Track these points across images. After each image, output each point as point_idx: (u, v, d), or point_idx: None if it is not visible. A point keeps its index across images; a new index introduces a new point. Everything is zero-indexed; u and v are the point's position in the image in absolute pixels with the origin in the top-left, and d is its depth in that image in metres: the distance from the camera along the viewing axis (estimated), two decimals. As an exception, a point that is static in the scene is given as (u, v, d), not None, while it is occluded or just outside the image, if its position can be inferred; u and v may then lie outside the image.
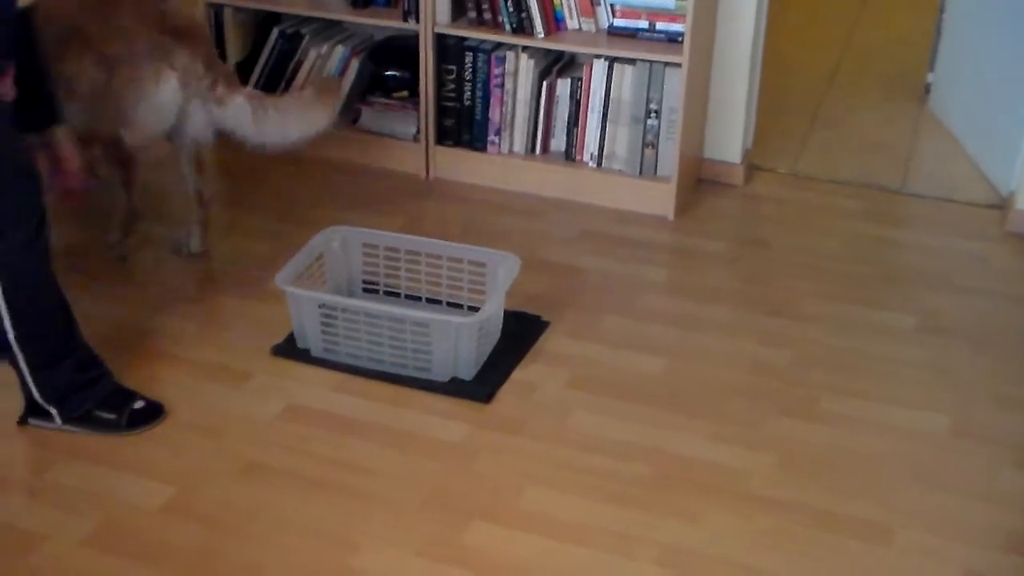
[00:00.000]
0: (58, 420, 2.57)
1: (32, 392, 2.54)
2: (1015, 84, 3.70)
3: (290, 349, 2.90)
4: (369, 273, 3.09)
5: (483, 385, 2.77)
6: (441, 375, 2.76)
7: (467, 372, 2.77)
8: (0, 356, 2.49)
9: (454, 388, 2.76)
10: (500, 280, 2.88)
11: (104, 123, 3.02)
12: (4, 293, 2.38)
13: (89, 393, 2.58)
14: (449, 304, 3.02)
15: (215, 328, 3.02)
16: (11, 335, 2.44)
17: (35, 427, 2.59)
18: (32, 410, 2.58)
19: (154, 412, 2.64)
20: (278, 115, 3.12)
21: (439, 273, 3.02)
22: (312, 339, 2.84)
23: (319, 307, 2.81)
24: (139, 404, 2.63)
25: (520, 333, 2.97)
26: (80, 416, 2.58)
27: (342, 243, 3.05)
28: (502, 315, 2.90)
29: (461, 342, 2.72)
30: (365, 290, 3.09)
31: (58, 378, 2.54)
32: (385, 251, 3.06)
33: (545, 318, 3.05)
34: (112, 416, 2.59)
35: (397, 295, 3.06)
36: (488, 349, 2.85)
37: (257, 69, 4.00)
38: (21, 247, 2.38)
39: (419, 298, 3.05)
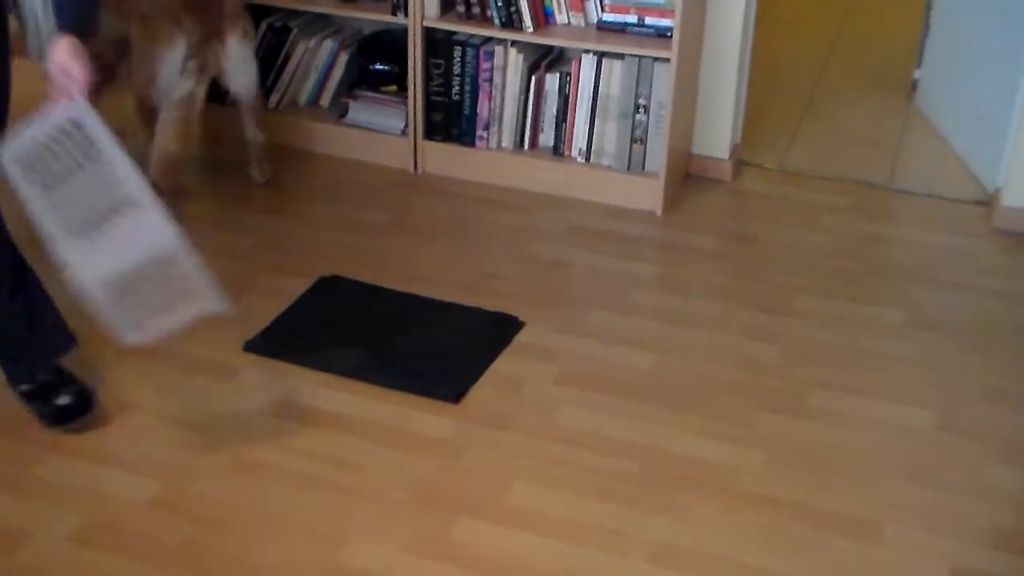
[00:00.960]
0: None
1: None
2: (1002, 81, 3.70)
3: (262, 345, 2.90)
4: None
5: (453, 385, 2.76)
6: None
7: None
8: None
9: (424, 387, 2.74)
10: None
11: (139, 80, 3.29)
12: None
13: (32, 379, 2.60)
14: None
15: (202, 323, 3.00)
16: None
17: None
18: None
19: (81, 407, 2.60)
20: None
21: None
22: None
23: None
24: (64, 400, 2.59)
25: (494, 334, 2.97)
26: (22, 394, 2.60)
27: None
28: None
29: None
30: None
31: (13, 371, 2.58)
32: None
33: (523, 318, 3.04)
34: (41, 408, 2.59)
35: None
36: None
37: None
38: None
39: None
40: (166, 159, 3.35)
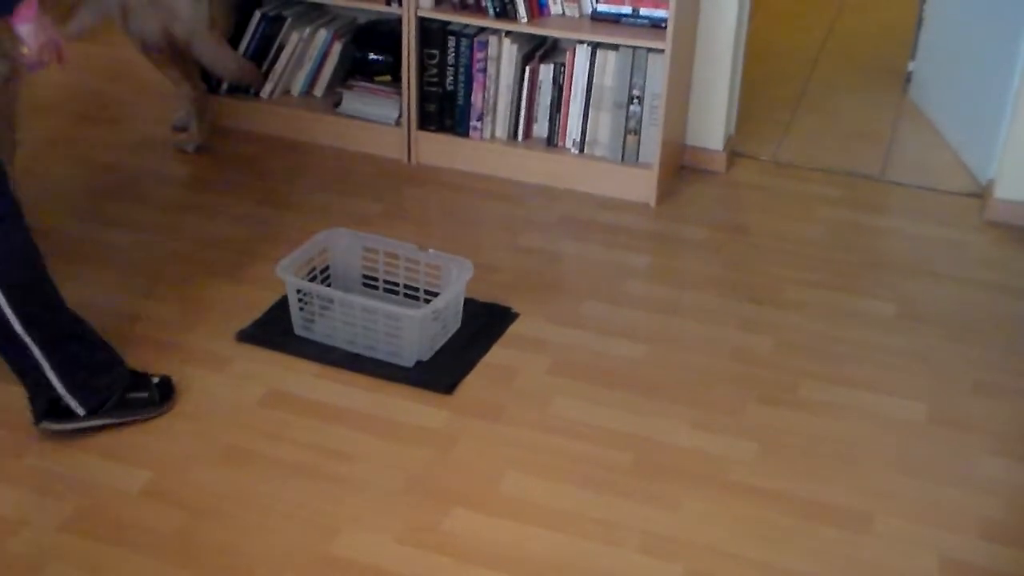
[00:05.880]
0: (81, 411, 2.46)
1: (52, 383, 2.41)
2: (995, 73, 3.71)
3: (255, 335, 2.90)
4: (369, 269, 3.06)
5: (446, 375, 2.76)
6: (394, 357, 2.78)
7: (411, 358, 2.78)
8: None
9: (417, 378, 2.75)
10: (454, 278, 2.88)
11: (154, 25, 3.55)
12: None
13: (113, 376, 2.52)
14: (427, 293, 2.99)
15: (194, 312, 3.01)
16: (16, 324, 2.31)
17: (51, 430, 2.48)
18: (50, 410, 2.46)
19: (169, 384, 2.65)
20: None
21: (417, 270, 3.00)
22: (295, 320, 2.88)
23: (297, 292, 2.83)
24: (156, 379, 2.63)
25: (487, 324, 2.97)
26: (115, 404, 2.51)
27: (348, 243, 3.05)
28: (461, 306, 2.92)
29: (409, 331, 2.75)
30: (365, 284, 3.06)
31: (75, 359, 2.43)
32: (386, 255, 3.02)
33: (515, 309, 3.04)
34: (144, 394, 2.57)
35: (394, 291, 3.03)
36: (444, 338, 2.87)
37: (239, 51, 3.98)
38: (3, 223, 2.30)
39: (396, 292, 3.04)
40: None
